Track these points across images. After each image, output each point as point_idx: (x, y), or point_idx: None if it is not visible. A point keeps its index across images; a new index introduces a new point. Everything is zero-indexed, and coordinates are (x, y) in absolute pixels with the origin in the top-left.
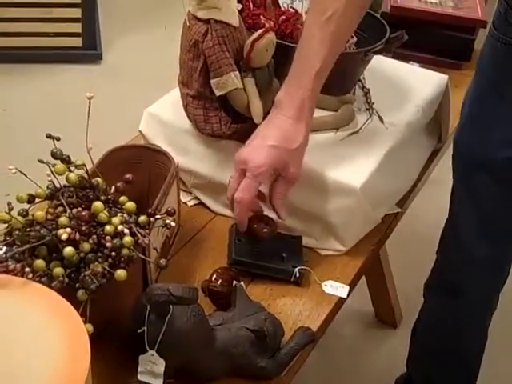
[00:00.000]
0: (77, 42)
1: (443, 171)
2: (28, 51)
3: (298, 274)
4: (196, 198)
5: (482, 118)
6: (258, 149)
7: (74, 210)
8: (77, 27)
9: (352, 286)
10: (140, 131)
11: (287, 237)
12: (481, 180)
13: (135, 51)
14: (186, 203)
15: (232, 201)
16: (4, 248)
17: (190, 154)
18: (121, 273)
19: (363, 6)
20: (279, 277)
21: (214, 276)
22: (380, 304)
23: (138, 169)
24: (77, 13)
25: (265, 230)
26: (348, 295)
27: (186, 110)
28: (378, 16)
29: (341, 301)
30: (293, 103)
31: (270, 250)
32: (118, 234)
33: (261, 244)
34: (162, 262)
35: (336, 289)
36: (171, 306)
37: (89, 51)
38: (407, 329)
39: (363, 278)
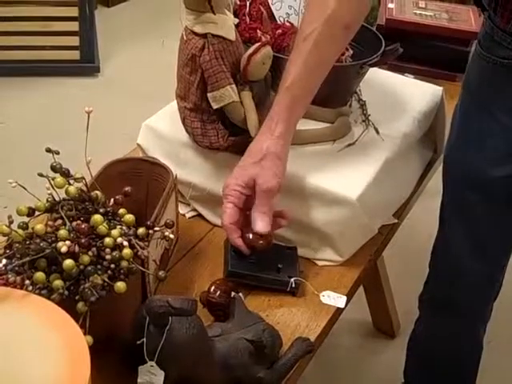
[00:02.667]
0: (75, 55)
1: (439, 182)
2: (26, 64)
3: (293, 285)
4: (194, 209)
5: (471, 135)
6: (233, 172)
7: (74, 223)
8: (75, 40)
9: (349, 296)
10: (138, 144)
11: (283, 248)
12: (472, 198)
13: (132, 64)
14: (184, 215)
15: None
16: (4, 261)
17: (188, 167)
18: (120, 285)
19: (348, 26)
20: (275, 287)
21: (213, 287)
22: (378, 314)
23: (137, 181)
24: (75, 26)
25: (260, 241)
26: (345, 305)
27: (183, 123)
28: (374, 29)
29: (338, 311)
30: (266, 120)
31: (265, 261)
32: (117, 247)
33: (256, 255)
34: (161, 273)
35: (333, 299)
36: (170, 318)
37: (86, 64)
38: (405, 338)
39: (361, 288)
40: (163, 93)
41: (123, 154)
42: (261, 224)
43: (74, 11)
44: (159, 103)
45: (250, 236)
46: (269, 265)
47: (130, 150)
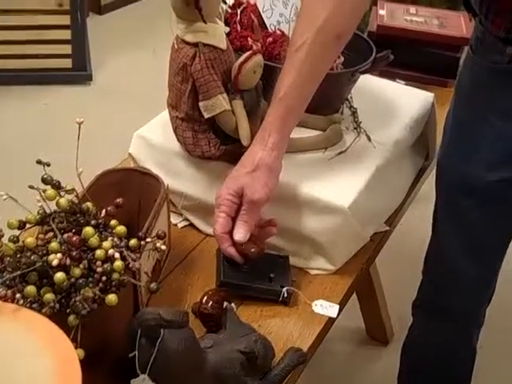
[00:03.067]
0: (67, 63)
1: (431, 188)
2: (18, 73)
3: (285, 294)
4: (186, 219)
5: (465, 140)
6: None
7: (65, 236)
8: (67, 49)
9: (342, 305)
10: (130, 154)
11: (275, 257)
12: (465, 203)
13: (125, 72)
14: (176, 225)
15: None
16: None
17: (180, 176)
18: (112, 297)
19: (340, 36)
20: (267, 297)
21: (205, 298)
22: (371, 321)
23: (129, 191)
24: (67, 34)
25: (252, 250)
26: (338, 314)
27: (175, 133)
28: (365, 36)
29: (331, 320)
30: (259, 131)
31: (257, 270)
32: (109, 259)
33: (249, 265)
34: (153, 285)
35: (326, 308)
36: (162, 330)
37: (79, 72)
38: (398, 345)
39: (354, 295)
40: (155, 101)
41: (115, 162)
42: (239, 233)
43: (65, 19)
44: (151, 111)
45: (243, 245)
46: (261, 274)
47: (121, 158)
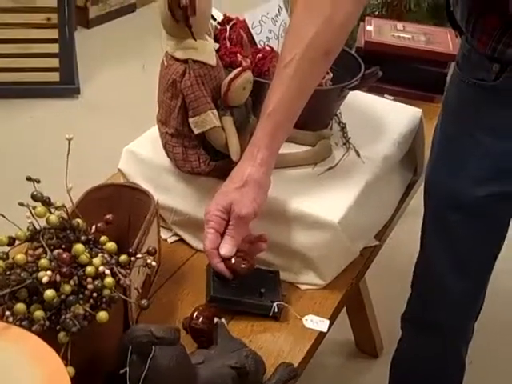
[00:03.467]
0: (54, 76)
1: (419, 202)
2: (6, 86)
3: (276, 309)
4: (176, 234)
5: (452, 155)
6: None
7: (55, 252)
8: (54, 62)
9: (332, 319)
10: (119, 169)
11: (265, 272)
12: (453, 219)
13: (113, 85)
14: (166, 240)
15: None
16: None
17: (170, 192)
18: (102, 315)
19: (328, 52)
20: (258, 312)
21: (195, 313)
22: (361, 334)
23: (118, 207)
24: (54, 48)
25: (242, 265)
26: (328, 329)
27: (165, 148)
28: (353, 53)
29: (321, 335)
30: (248, 146)
31: (247, 285)
32: (99, 275)
33: (239, 280)
34: (144, 302)
35: (316, 323)
36: (153, 346)
37: (66, 86)
38: (388, 358)
39: (343, 308)
40: (144, 115)
41: (104, 177)
42: (225, 247)
43: (53, 33)
44: (140, 125)
45: (233, 260)
46: (251, 289)
47: (110, 172)
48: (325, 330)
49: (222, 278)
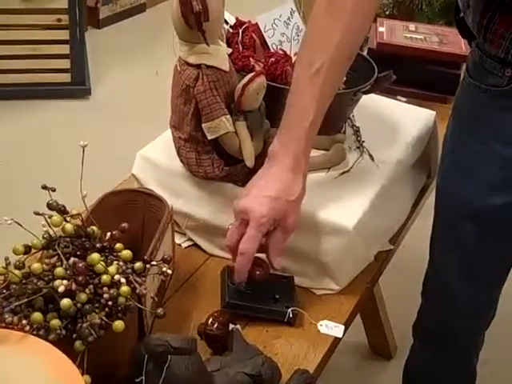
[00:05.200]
0: (66, 77)
1: (433, 204)
2: (18, 88)
3: (291, 315)
4: (190, 239)
5: (464, 163)
6: (260, 199)
7: (71, 261)
8: (65, 63)
9: (347, 324)
10: (133, 174)
11: (279, 277)
12: (466, 230)
13: (123, 86)
14: (180, 245)
15: (233, 250)
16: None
17: (184, 197)
18: (118, 324)
19: (350, 57)
20: (272, 318)
21: (210, 319)
22: (374, 337)
23: (132, 213)
24: (65, 49)
25: (257, 272)
26: (343, 334)
27: (178, 153)
28: (366, 55)
29: (336, 340)
30: (288, 155)
31: (262, 291)
32: (115, 284)
33: (253, 286)
34: (160, 311)
35: (331, 328)
36: (169, 356)
37: (78, 86)
38: (402, 360)
39: None
40: (155, 115)
41: (116, 180)
42: (277, 260)
43: (64, 34)
44: (151, 126)
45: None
46: (266, 295)
47: (123, 175)
48: (340, 335)
49: (237, 284)
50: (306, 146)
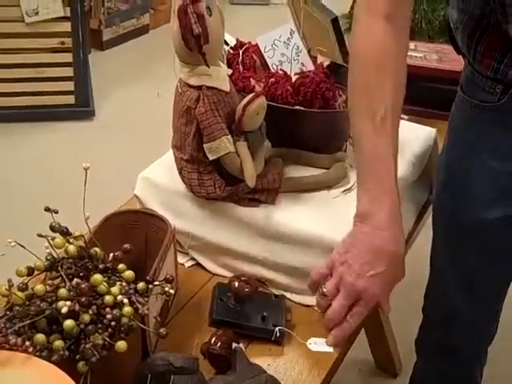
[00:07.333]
0: (70, 99)
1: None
2: (21, 110)
3: (278, 334)
4: (193, 258)
5: (460, 178)
6: (373, 279)
7: (74, 282)
8: (69, 85)
9: (351, 340)
10: (135, 195)
11: (270, 296)
12: (464, 244)
13: (127, 107)
14: (183, 264)
15: (335, 321)
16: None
17: (186, 217)
18: (121, 344)
19: (403, 97)
20: (260, 336)
21: (214, 338)
22: (379, 353)
23: (135, 233)
24: (69, 71)
25: (246, 289)
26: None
27: (180, 174)
28: None
29: (340, 357)
30: (383, 211)
31: (251, 309)
32: (118, 305)
33: (242, 303)
34: (163, 331)
35: (322, 345)
36: (172, 375)
37: (82, 108)
38: (407, 378)
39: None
40: (158, 136)
41: (120, 200)
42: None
43: (68, 57)
44: (154, 146)
45: (236, 284)
46: (254, 313)
47: (126, 195)
48: (331, 350)
49: (226, 301)
50: (397, 199)
